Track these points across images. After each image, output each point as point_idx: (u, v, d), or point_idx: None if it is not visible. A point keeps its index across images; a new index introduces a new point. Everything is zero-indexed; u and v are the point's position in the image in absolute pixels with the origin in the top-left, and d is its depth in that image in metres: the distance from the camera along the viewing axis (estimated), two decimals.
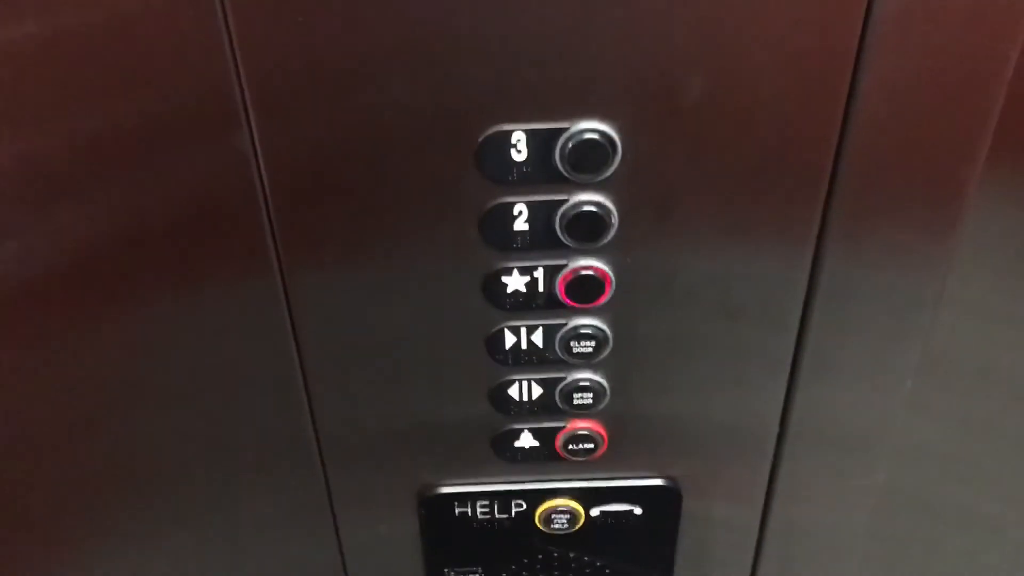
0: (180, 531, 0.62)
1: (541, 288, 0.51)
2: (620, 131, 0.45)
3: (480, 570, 0.65)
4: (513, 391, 0.56)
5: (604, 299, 0.51)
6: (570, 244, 0.49)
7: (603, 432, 0.58)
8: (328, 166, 0.46)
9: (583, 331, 0.52)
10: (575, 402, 0.56)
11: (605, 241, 0.49)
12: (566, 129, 0.45)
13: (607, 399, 0.56)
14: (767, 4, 0.42)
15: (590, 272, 0.50)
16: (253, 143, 0.45)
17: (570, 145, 0.45)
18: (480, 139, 0.45)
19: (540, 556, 0.64)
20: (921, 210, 0.48)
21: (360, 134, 0.45)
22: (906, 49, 0.43)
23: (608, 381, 0.55)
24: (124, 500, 0.60)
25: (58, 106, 0.44)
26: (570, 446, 0.58)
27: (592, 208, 0.47)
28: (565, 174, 0.46)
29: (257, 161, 0.46)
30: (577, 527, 0.62)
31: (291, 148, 0.45)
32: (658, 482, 0.61)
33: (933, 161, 0.47)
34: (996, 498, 0.65)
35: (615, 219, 0.48)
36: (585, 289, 0.50)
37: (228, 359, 0.54)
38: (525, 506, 0.61)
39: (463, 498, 0.61)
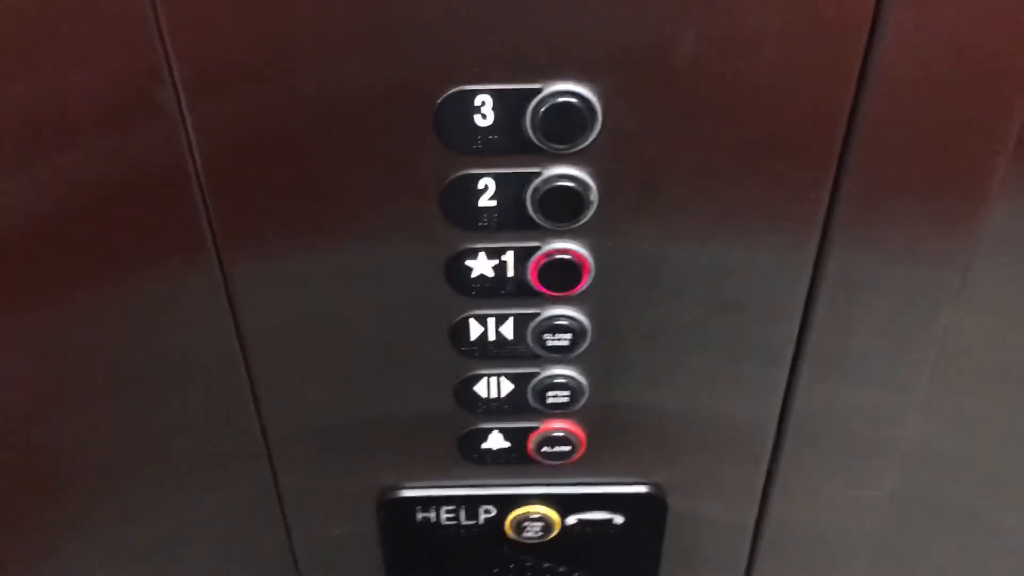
0: (121, 529, 0.61)
1: (511, 273, 0.48)
2: (601, 94, 0.42)
3: None
4: (480, 387, 0.54)
5: (582, 287, 0.49)
6: (543, 224, 0.46)
7: (580, 433, 0.56)
8: (266, 135, 0.44)
9: (558, 322, 0.50)
10: (549, 400, 0.54)
11: (583, 221, 0.46)
12: (539, 91, 0.42)
13: (585, 397, 0.54)
14: None
15: (566, 256, 0.48)
16: (180, 107, 0.42)
17: (543, 109, 0.42)
18: (439, 101, 0.43)
19: (511, 566, 0.63)
20: (941, 198, 0.46)
21: (301, 95, 0.42)
22: (931, 11, 0.40)
23: (586, 377, 0.53)
24: (62, 498, 0.59)
25: None
26: (544, 448, 0.56)
27: (568, 183, 0.45)
28: (537, 143, 0.44)
29: (186, 129, 0.43)
30: (551, 536, 0.61)
31: (223, 114, 0.43)
32: (641, 489, 0.59)
33: (956, 143, 0.44)
34: (1010, 503, 0.64)
35: (594, 196, 0.45)
36: (560, 275, 0.48)
37: (166, 350, 0.52)
38: (495, 512, 0.60)
39: (426, 502, 0.59)
